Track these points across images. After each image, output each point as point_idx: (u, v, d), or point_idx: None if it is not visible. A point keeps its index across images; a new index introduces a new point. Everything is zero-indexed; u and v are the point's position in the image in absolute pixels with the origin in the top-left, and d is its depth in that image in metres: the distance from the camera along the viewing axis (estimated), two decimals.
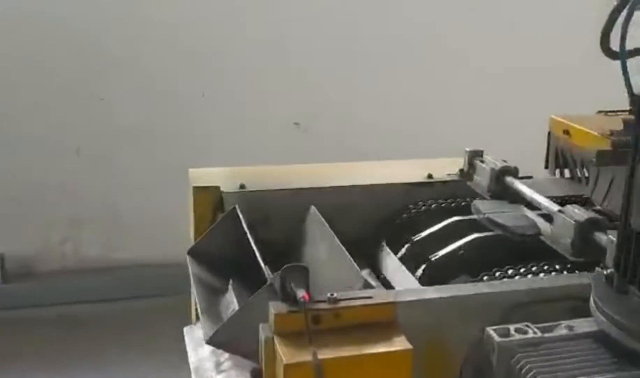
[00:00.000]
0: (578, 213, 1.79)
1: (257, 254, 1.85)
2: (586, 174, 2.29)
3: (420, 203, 2.24)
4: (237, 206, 2.03)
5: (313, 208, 2.13)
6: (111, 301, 4.64)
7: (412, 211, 2.21)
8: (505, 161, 2.22)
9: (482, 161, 2.23)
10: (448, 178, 2.34)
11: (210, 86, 5.02)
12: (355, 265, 1.77)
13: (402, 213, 2.22)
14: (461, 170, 2.36)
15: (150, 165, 4.93)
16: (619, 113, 2.46)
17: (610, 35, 2.13)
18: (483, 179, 2.20)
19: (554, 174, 2.41)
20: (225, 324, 1.66)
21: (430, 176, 2.35)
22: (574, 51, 4.74)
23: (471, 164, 2.33)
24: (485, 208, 2.03)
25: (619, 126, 2.23)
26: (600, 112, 2.46)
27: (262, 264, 1.76)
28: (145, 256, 4.93)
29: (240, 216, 2.01)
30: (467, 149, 2.35)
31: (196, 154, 4.97)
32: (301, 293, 1.46)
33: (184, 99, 4.94)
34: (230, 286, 1.97)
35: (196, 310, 2.15)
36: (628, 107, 2.49)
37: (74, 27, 4.58)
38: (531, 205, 2.06)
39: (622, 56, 1.97)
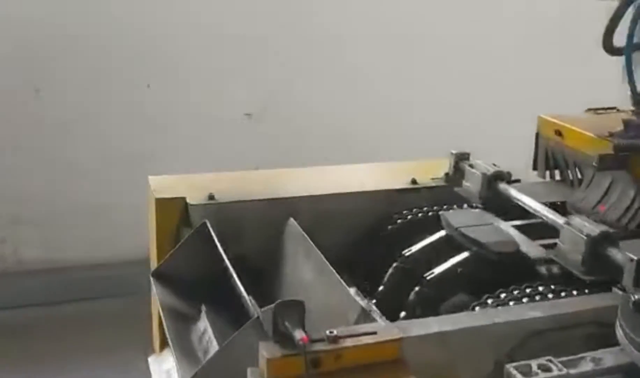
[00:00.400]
0: (589, 226, 1.64)
1: (235, 276, 1.63)
2: (579, 176, 2.15)
3: (406, 211, 2.06)
4: (207, 222, 1.80)
5: (292, 221, 1.92)
6: (52, 304, 4.35)
7: (398, 221, 2.02)
8: (495, 165, 2.05)
9: (471, 166, 2.06)
10: (434, 184, 2.17)
11: (155, 77, 4.73)
12: (348, 289, 1.57)
13: (387, 223, 2.03)
14: (446, 174, 2.19)
15: (93, 161, 4.63)
16: (609, 111, 2.33)
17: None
18: (473, 185, 2.03)
19: (544, 176, 2.27)
20: (205, 366, 1.44)
21: (414, 182, 2.16)
22: (553, 50, 4.69)
23: (457, 168, 2.16)
24: (456, 220, 1.85)
25: (613, 126, 2.10)
26: (589, 110, 2.33)
27: (242, 291, 1.55)
28: (87, 256, 4.67)
29: (212, 233, 1.79)
30: (453, 151, 2.18)
31: (141, 149, 4.69)
32: (299, 335, 1.25)
33: (128, 91, 4.64)
34: (202, 312, 1.75)
35: (161, 337, 1.92)
36: (615, 106, 2.39)
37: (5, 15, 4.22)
38: (525, 214, 1.91)
39: (628, 53, 1.83)
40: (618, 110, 2.33)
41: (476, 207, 2.03)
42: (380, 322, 1.44)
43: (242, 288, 1.56)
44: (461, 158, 2.16)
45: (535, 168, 2.30)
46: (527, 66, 4.87)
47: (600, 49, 2.04)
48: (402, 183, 2.15)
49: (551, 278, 1.68)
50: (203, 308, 1.75)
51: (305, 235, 1.84)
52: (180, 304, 1.77)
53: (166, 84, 4.72)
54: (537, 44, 4.86)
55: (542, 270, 1.73)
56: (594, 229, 1.62)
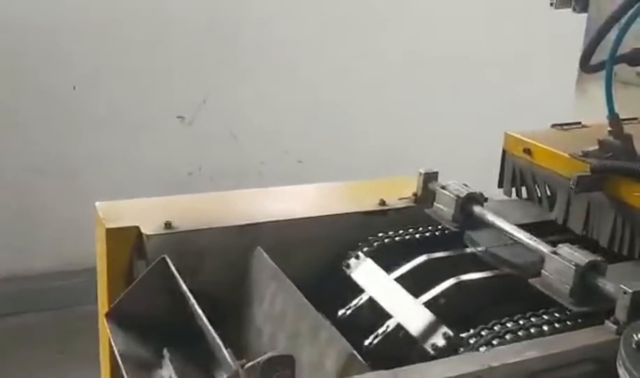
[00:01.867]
0: (576, 255, 1.57)
1: (203, 317, 1.48)
2: (548, 193, 2.09)
3: (371, 238, 1.94)
4: (166, 256, 1.63)
5: (259, 250, 1.78)
6: None
7: (374, 243, 1.91)
8: (467, 186, 1.97)
9: (442, 187, 1.96)
10: (402, 205, 2.06)
11: (81, 78, 4.49)
12: (336, 331, 1.45)
13: (358, 249, 1.92)
14: (415, 194, 2.09)
15: (15, 165, 4.37)
16: (574, 126, 2.29)
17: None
18: (445, 207, 1.94)
19: (510, 194, 2.20)
20: None
21: (383, 203, 2.05)
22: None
23: (426, 188, 2.07)
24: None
25: (584, 143, 2.05)
26: (554, 126, 2.27)
27: (215, 337, 1.40)
28: (7, 266, 4.41)
29: (172, 269, 1.62)
30: (421, 170, 2.08)
31: (67, 154, 4.46)
32: None
33: (53, 92, 4.39)
34: (165, 358, 1.58)
35: None
36: (579, 121, 2.35)
37: None
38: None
39: (609, 74, 1.77)
40: (583, 125, 2.29)
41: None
42: (375, 373, 1.31)
43: (214, 333, 1.41)
44: (430, 177, 2.07)
45: (500, 185, 2.23)
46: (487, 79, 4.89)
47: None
48: (369, 204, 2.04)
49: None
50: (166, 352, 1.58)
51: (275, 265, 1.71)
52: (140, 349, 1.60)
53: (93, 86, 4.49)
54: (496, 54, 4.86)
55: None
56: (583, 258, 1.56)
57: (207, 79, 4.69)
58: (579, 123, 2.30)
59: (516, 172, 2.16)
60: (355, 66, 4.82)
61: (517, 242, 1.76)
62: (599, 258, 1.57)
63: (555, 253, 1.61)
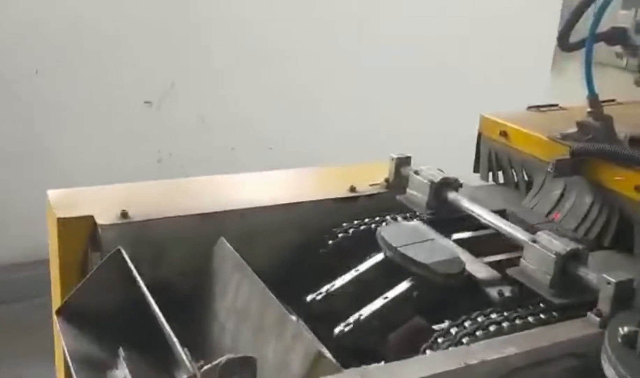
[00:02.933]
0: (557, 243, 1.49)
1: (159, 315, 1.37)
2: (526, 178, 2.02)
3: (346, 224, 1.85)
4: (121, 248, 1.52)
5: (222, 240, 1.67)
6: None
7: (339, 235, 1.81)
8: (441, 171, 1.88)
9: (416, 172, 1.87)
10: (374, 191, 1.97)
11: (44, 62, 4.31)
12: (302, 326, 1.35)
13: (327, 238, 1.82)
14: (387, 180, 2.00)
15: None
16: (551, 108, 2.21)
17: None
18: (419, 193, 1.85)
19: (487, 178, 2.12)
20: None
21: (353, 189, 1.96)
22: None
23: (398, 173, 1.98)
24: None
25: (561, 126, 1.98)
26: (531, 108, 2.20)
27: (172, 337, 1.29)
28: None
29: (128, 262, 1.51)
30: (393, 155, 1.99)
31: (29, 141, 4.30)
32: None
33: (13, 77, 4.21)
34: (120, 357, 1.47)
35: None
36: (557, 103, 2.28)
37: None
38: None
39: (589, 52, 1.69)
40: (561, 107, 2.22)
41: (412, 218, 1.85)
42: (342, 374, 1.22)
43: (170, 332, 1.30)
44: (402, 162, 1.98)
45: (476, 169, 2.15)
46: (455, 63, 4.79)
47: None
48: (340, 191, 1.94)
49: (504, 303, 1.52)
50: (121, 352, 1.47)
51: (240, 257, 1.60)
52: (93, 348, 1.49)
53: (56, 70, 4.32)
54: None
55: (493, 292, 1.56)
56: (563, 246, 1.48)
57: (175, 63, 4.54)
58: (557, 105, 2.23)
59: (492, 156, 2.09)
60: (328, 50, 4.71)
61: (430, 240, 1.67)
62: (580, 246, 1.49)
63: (534, 241, 1.52)
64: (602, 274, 1.39)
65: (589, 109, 1.78)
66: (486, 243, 1.76)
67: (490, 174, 2.11)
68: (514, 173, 2.04)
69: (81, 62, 4.32)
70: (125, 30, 4.33)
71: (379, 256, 1.67)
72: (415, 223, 1.79)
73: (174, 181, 1.92)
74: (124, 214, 1.66)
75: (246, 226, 1.76)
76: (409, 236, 1.68)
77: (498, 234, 1.68)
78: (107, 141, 4.51)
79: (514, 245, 1.62)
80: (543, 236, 1.52)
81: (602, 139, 1.76)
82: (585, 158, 1.74)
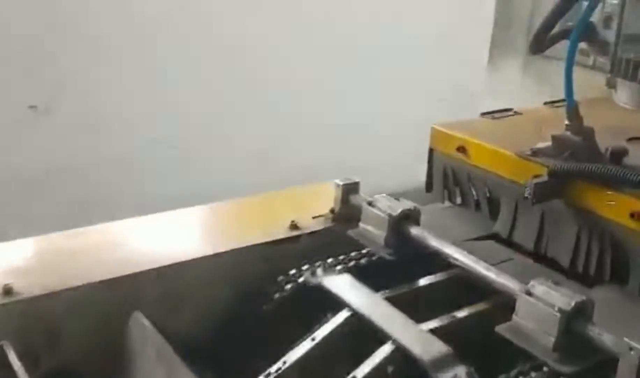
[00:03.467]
0: (556, 295, 1.23)
1: None
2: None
3: (283, 278, 1.52)
4: (5, 345, 1.14)
5: (137, 315, 1.31)
6: None
7: (276, 296, 1.49)
8: (398, 200, 1.58)
9: (370, 204, 1.56)
10: (318, 226, 1.65)
11: None
12: None
13: (269, 290, 1.49)
14: (333, 211, 1.68)
15: None
16: (505, 114, 1.96)
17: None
18: (375, 229, 1.54)
19: (442, 200, 1.84)
20: None
21: (294, 226, 1.63)
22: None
23: (346, 202, 1.67)
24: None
25: (524, 136, 1.73)
26: (484, 115, 1.93)
27: None
28: None
29: (13, 357, 1.13)
30: (339, 182, 1.67)
31: None
32: None
33: None
34: None
35: None
36: (512, 107, 2.03)
37: None
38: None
39: (571, 57, 1.43)
40: (515, 112, 1.97)
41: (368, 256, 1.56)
42: None
43: None
44: (350, 189, 1.67)
45: (429, 189, 1.87)
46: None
47: None
48: (278, 228, 1.61)
49: None
50: None
51: (162, 339, 1.24)
52: None
53: None
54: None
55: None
56: (567, 300, 1.21)
57: (62, 62, 4.04)
58: (511, 110, 1.98)
59: (448, 174, 1.81)
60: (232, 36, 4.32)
61: None
62: (585, 298, 1.23)
63: (528, 293, 1.25)
64: (622, 339, 1.13)
65: (567, 122, 1.52)
66: (444, 289, 1.48)
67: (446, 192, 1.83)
68: (475, 192, 1.77)
69: None
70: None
71: (342, 316, 1.36)
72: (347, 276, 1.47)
73: (66, 234, 1.52)
74: (7, 291, 1.27)
75: (166, 288, 1.40)
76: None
77: (456, 279, 1.42)
78: None
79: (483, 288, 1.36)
80: (538, 286, 1.25)
81: (583, 155, 1.51)
82: (566, 179, 1.49)
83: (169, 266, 1.41)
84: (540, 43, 1.62)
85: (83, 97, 4.16)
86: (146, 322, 1.28)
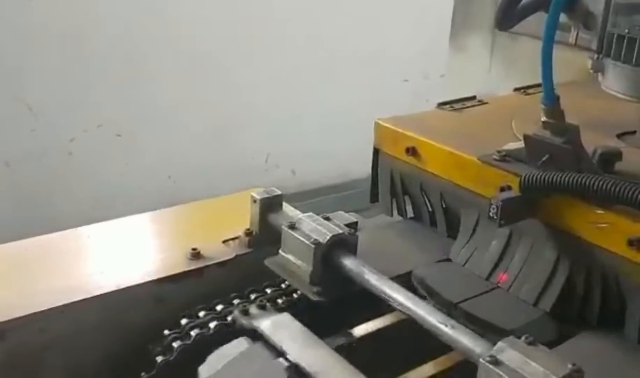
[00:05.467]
0: (534, 367, 0.88)
1: None
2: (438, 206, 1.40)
3: (185, 320, 1.16)
4: None
5: None
6: None
7: (176, 348, 1.12)
8: (329, 219, 1.22)
9: (292, 226, 1.20)
10: (228, 255, 1.28)
11: None
12: None
13: (153, 351, 1.13)
14: (249, 233, 1.32)
15: None
16: (467, 103, 1.61)
17: None
18: (299, 260, 1.18)
19: (390, 212, 1.49)
20: None
21: (196, 254, 1.26)
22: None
23: (264, 222, 1.31)
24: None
25: (489, 134, 1.39)
26: (442, 105, 1.58)
27: None
28: None
29: None
30: (256, 195, 1.31)
31: None
32: None
33: None
34: None
35: None
36: (474, 94, 1.68)
37: None
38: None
39: (549, 40, 1.08)
40: (480, 101, 1.62)
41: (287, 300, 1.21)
42: None
43: None
44: (270, 205, 1.31)
45: (374, 199, 1.51)
46: None
47: None
48: (174, 257, 1.24)
49: None
50: None
51: None
52: None
53: None
54: None
55: None
56: (549, 374, 0.87)
57: None
58: (474, 97, 1.63)
59: (396, 181, 1.45)
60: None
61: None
62: (570, 366, 0.88)
63: (495, 361, 0.90)
64: None
65: (544, 119, 1.17)
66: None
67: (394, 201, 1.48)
68: (429, 205, 1.42)
69: None
70: None
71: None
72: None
73: None
74: None
75: (6, 354, 1.03)
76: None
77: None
78: None
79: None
80: (508, 350, 0.91)
81: (565, 161, 1.16)
82: (543, 193, 1.14)
83: (15, 320, 1.04)
84: (508, 16, 1.27)
85: (12, 81, 3.75)
86: None
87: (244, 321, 1.13)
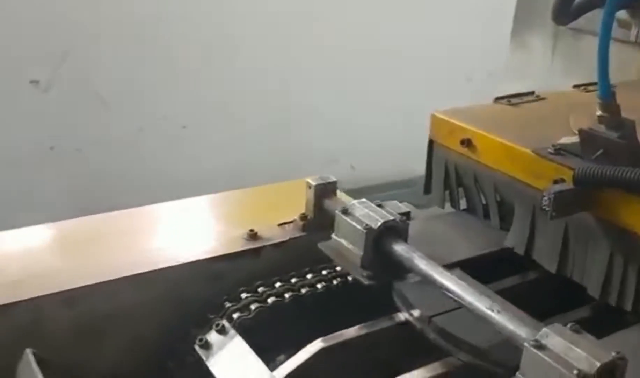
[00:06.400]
0: (578, 353, 0.90)
1: None
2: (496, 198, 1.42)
3: (245, 295, 1.22)
4: None
5: (27, 356, 1.01)
6: None
7: (234, 315, 1.18)
8: (381, 206, 1.26)
9: (345, 211, 1.24)
10: (283, 237, 1.33)
11: None
12: None
13: (214, 320, 1.18)
14: (304, 217, 1.37)
15: None
16: (526, 99, 1.61)
17: None
18: (351, 244, 1.22)
19: (442, 204, 1.51)
20: None
21: (253, 235, 1.31)
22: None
23: (319, 207, 1.35)
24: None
25: (546, 128, 1.39)
26: (498, 99, 1.59)
27: None
28: None
29: None
30: (312, 181, 1.35)
31: None
32: None
33: None
34: None
35: None
36: (533, 90, 1.68)
37: None
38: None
39: (606, 34, 1.09)
40: (538, 96, 1.62)
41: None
42: None
43: None
44: (324, 191, 1.35)
45: (427, 190, 1.54)
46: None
47: None
48: (232, 237, 1.30)
49: None
50: None
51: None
52: None
53: None
54: None
55: None
56: (593, 360, 0.88)
57: (64, 34, 3.76)
58: (532, 93, 1.63)
59: (450, 173, 1.47)
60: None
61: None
62: (613, 355, 0.90)
63: (538, 345, 0.92)
64: None
65: (599, 112, 1.17)
66: None
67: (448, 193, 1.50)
68: (483, 197, 1.43)
69: None
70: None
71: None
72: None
73: None
74: None
75: (74, 320, 1.10)
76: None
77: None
78: None
79: None
80: (553, 336, 0.92)
81: (620, 156, 1.17)
82: (597, 187, 1.14)
83: (78, 289, 1.11)
84: (564, 12, 1.27)
85: (86, 72, 3.90)
86: (35, 367, 0.98)
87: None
